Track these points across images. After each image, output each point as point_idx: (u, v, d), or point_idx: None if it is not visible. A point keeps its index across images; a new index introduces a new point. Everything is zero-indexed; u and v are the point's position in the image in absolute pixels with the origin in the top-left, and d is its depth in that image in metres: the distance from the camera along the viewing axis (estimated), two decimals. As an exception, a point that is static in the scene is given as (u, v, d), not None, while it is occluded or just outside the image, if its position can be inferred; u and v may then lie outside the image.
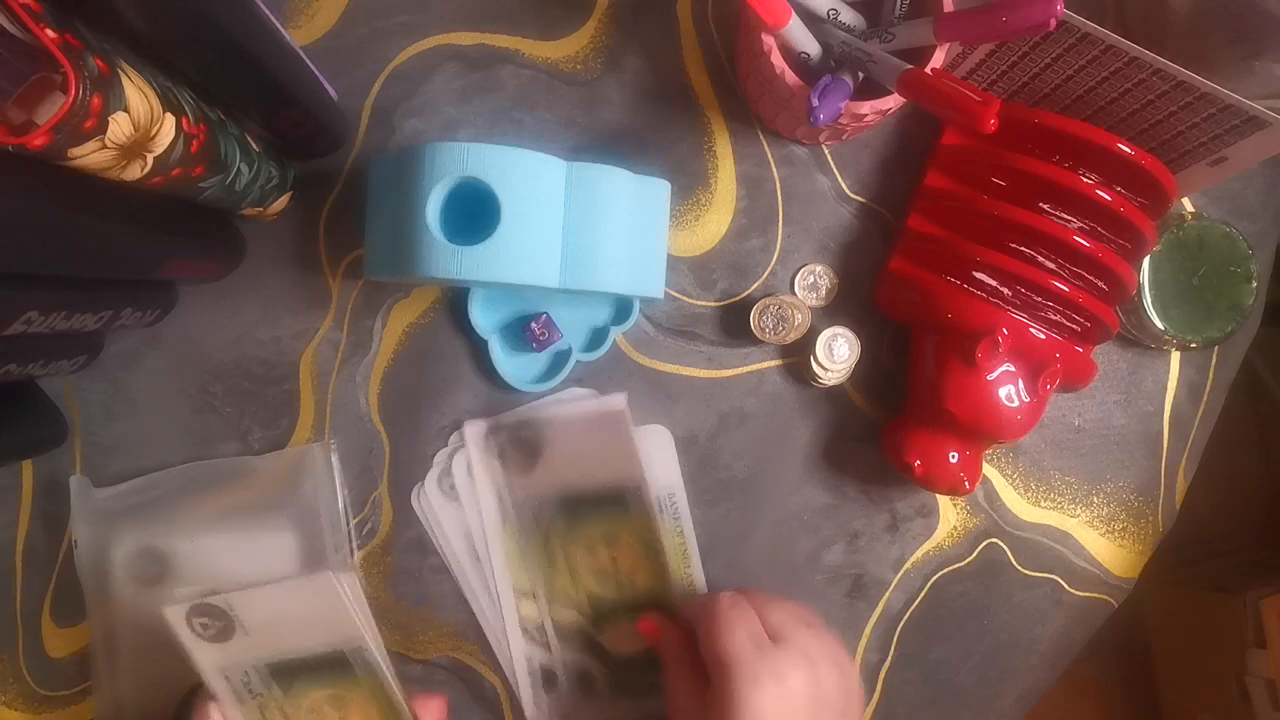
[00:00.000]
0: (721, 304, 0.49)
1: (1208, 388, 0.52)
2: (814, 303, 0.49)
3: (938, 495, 0.50)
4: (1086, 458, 0.51)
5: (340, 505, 0.47)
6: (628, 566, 0.48)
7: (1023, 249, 0.43)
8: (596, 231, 0.42)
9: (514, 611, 0.48)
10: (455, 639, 0.48)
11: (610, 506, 0.47)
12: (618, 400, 0.47)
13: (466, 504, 0.47)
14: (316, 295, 0.48)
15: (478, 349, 0.48)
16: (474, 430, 0.47)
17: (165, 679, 0.45)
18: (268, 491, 0.47)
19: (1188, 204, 0.51)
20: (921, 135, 0.49)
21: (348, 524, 0.47)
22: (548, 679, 0.48)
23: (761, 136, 0.49)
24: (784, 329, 0.48)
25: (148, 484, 0.47)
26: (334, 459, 0.47)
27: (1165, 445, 0.52)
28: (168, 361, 0.47)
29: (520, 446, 0.47)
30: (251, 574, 0.45)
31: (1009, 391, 0.43)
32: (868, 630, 0.50)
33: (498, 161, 0.39)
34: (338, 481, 0.47)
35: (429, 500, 0.48)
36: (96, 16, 0.30)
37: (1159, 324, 0.48)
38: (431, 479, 0.48)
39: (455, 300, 0.48)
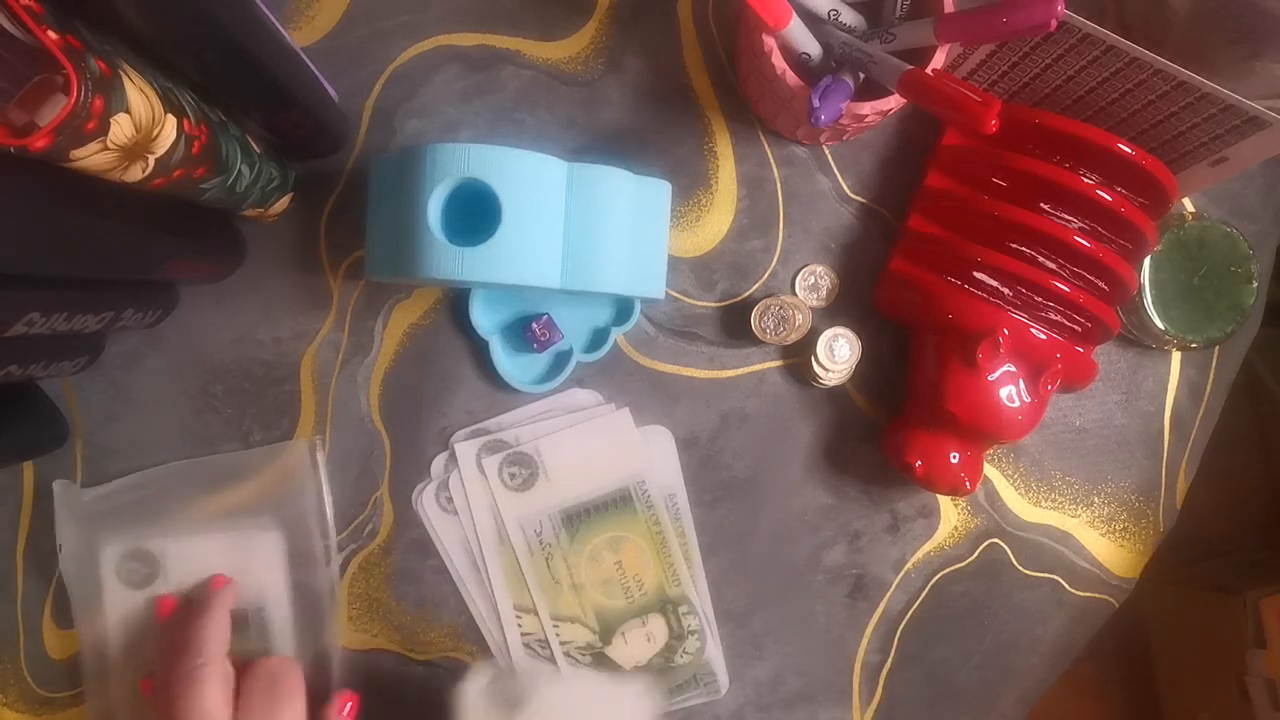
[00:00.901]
0: (722, 304, 0.49)
1: (1208, 388, 0.52)
2: (815, 303, 0.49)
3: (938, 495, 0.50)
4: (1087, 458, 0.51)
5: (327, 501, 0.47)
6: (634, 568, 0.48)
7: (1023, 249, 0.43)
8: (597, 232, 0.42)
9: (515, 627, 0.47)
10: (456, 640, 0.48)
11: (614, 509, 0.47)
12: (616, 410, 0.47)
13: (464, 522, 0.47)
14: (317, 296, 0.48)
15: (479, 350, 0.48)
16: (466, 451, 0.47)
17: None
18: (256, 490, 0.46)
19: (1188, 204, 0.51)
20: (922, 135, 0.49)
21: (331, 521, 0.47)
22: None
23: (762, 137, 0.49)
24: (785, 329, 0.48)
25: (133, 484, 0.46)
26: (319, 455, 0.47)
27: (1166, 445, 0.52)
28: (169, 362, 0.47)
29: (517, 469, 0.47)
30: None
31: (1010, 392, 0.43)
32: (869, 631, 0.50)
33: (499, 162, 0.39)
34: (323, 477, 0.47)
35: (427, 513, 0.48)
36: (97, 17, 0.30)
37: (1160, 324, 0.48)
38: (429, 492, 0.48)
39: (456, 301, 0.48)
